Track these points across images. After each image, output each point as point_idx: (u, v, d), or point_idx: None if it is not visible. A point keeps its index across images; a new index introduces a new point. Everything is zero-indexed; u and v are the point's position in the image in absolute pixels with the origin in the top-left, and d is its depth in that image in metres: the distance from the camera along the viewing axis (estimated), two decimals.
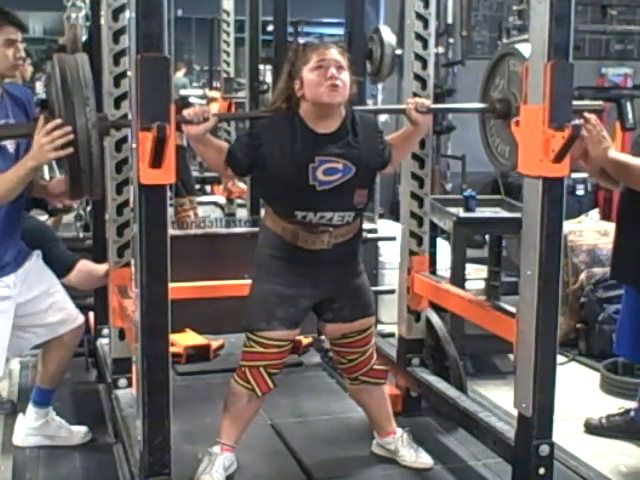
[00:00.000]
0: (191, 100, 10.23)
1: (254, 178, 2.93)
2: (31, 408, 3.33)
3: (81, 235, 4.27)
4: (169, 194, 2.52)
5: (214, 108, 6.68)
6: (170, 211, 2.55)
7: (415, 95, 3.44)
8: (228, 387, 2.93)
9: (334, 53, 2.77)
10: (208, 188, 8.37)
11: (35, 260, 3.13)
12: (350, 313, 2.97)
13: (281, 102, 2.84)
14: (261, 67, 5.88)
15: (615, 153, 3.05)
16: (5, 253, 2.95)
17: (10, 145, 2.87)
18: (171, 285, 2.45)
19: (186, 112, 2.70)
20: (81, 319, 3.26)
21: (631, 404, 3.74)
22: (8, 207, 2.86)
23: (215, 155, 2.84)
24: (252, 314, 2.89)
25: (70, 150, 2.57)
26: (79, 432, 3.37)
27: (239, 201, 6.59)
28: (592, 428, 3.74)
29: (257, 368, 2.86)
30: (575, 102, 2.62)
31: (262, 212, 3.00)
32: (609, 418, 3.73)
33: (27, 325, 3.10)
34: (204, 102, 9.77)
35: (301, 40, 5.69)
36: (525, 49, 2.68)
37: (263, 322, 2.85)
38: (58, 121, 2.54)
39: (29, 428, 3.32)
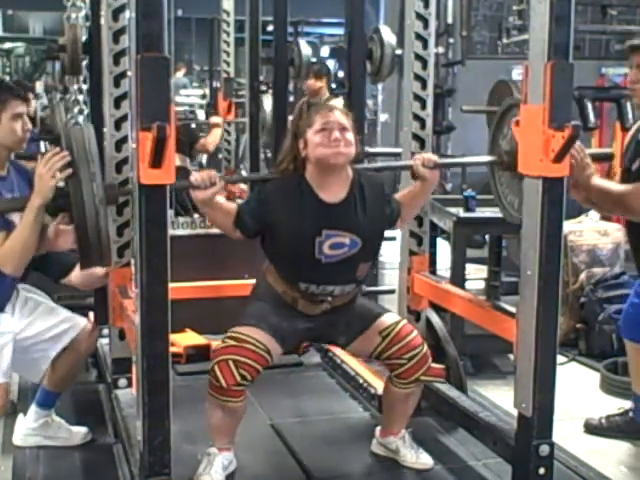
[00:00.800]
0: (191, 100, 10.26)
1: (265, 244, 2.93)
2: (33, 408, 3.33)
3: None
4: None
5: (217, 133, 6.70)
6: (170, 212, 2.55)
7: (415, 95, 3.44)
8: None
9: (337, 115, 2.80)
10: None
11: (20, 294, 3.15)
12: (360, 324, 2.95)
13: (288, 163, 2.86)
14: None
15: (598, 180, 3.08)
16: None
17: (17, 218, 2.88)
18: (171, 285, 2.45)
19: (193, 178, 2.73)
20: (83, 322, 3.24)
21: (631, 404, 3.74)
22: None
23: (224, 218, 2.85)
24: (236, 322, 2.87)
25: (69, 171, 2.65)
26: (79, 432, 3.37)
27: (239, 201, 6.58)
28: (592, 428, 3.73)
29: (226, 362, 2.73)
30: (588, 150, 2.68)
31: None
32: (609, 418, 3.73)
33: (31, 344, 3.12)
34: (204, 101, 9.82)
35: (301, 40, 5.67)
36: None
37: (245, 320, 2.84)
38: (55, 150, 2.60)
39: (29, 428, 3.32)
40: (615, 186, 3.15)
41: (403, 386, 2.98)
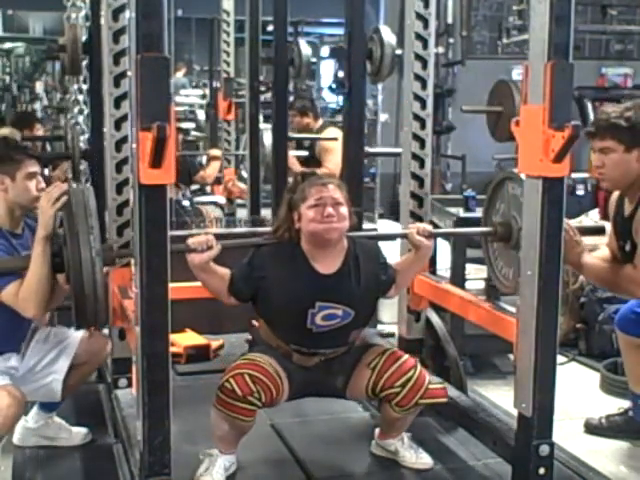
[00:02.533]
0: (191, 100, 10.26)
1: (257, 306, 2.94)
2: (35, 410, 3.34)
3: None
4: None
5: (215, 166, 6.71)
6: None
7: (415, 95, 3.44)
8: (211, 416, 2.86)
9: (331, 190, 2.80)
10: (208, 188, 8.37)
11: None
12: (352, 359, 2.94)
13: (283, 231, 2.87)
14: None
15: (589, 257, 3.13)
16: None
17: None
18: (171, 285, 2.45)
19: (190, 241, 2.73)
20: (78, 336, 3.23)
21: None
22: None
23: (217, 284, 2.86)
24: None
25: (65, 199, 2.75)
26: (79, 433, 3.37)
27: (239, 201, 6.59)
28: (592, 428, 3.74)
29: (241, 375, 2.73)
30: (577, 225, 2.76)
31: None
32: (609, 418, 3.73)
33: (35, 373, 3.15)
34: (204, 101, 9.82)
35: (301, 40, 5.67)
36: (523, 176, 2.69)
37: (254, 351, 2.87)
38: (57, 183, 2.68)
39: (29, 428, 3.32)
40: (604, 266, 3.17)
41: (403, 412, 2.93)
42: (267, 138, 5.37)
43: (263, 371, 2.75)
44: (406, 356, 2.93)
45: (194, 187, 7.13)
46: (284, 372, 2.83)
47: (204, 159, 7.05)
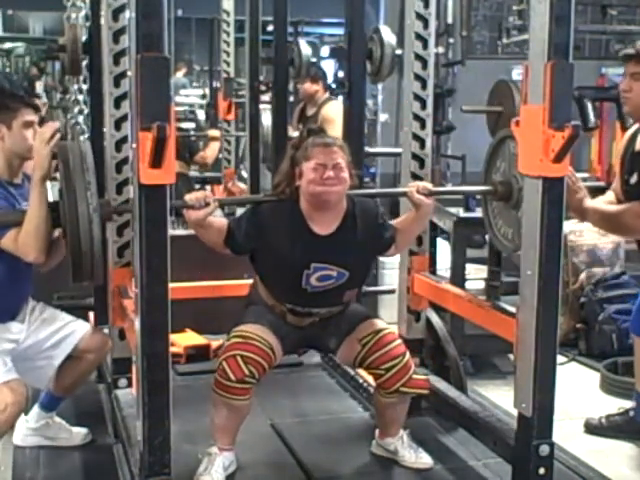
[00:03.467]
0: (191, 100, 10.26)
1: (253, 262, 2.97)
2: (35, 409, 3.33)
3: None
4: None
5: (215, 147, 6.71)
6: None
7: (415, 95, 3.44)
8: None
9: (334, 152, 2.81)
10: (208, 188, 8.37)
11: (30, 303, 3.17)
12: (347, 326, 2.98)
13: (284, 186, 2.88)
14: None
15: (591, 202, 3.12)
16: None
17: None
18: (171, 285, 2.45)
19: (187, 197, 2.73)
20: (86, 327, 3.24)
21: (631, 404, 3.74)
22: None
23: (215, 237, 2.87)
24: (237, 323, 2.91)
25: (58, 136, 2.73)
26: (79, 433, 3.37)
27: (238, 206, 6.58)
28: (592, 428, 3.74)
29: (234, 357, 2.77)
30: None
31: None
32: (609, 418, 3.73)
33: (35, 353, 3.13)
34: (204, 101, 9.82)
35: (301, 40, 5.67)
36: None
37: (247, 318, 2.89)
38: (48, 123, 2.63)
39: (30, 428, 3.32)
40: (608, 207, 3.17)
41: (387, 396, 2.99)
42: (266, 118, 5.67)
43: (254, 349, 2.78)
44: (398, 341, 2.97)
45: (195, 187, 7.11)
46: (277, 339, 2.86)
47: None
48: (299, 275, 2.83)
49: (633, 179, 3.14)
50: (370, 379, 3.70)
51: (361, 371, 3.78)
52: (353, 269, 2.88)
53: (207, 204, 2.71)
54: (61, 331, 3.18)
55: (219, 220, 2.91)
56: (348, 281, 2.89)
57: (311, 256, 2.83)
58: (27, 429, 3.33)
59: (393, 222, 3.04)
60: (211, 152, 6.76)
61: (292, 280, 2.84)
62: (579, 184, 3.07)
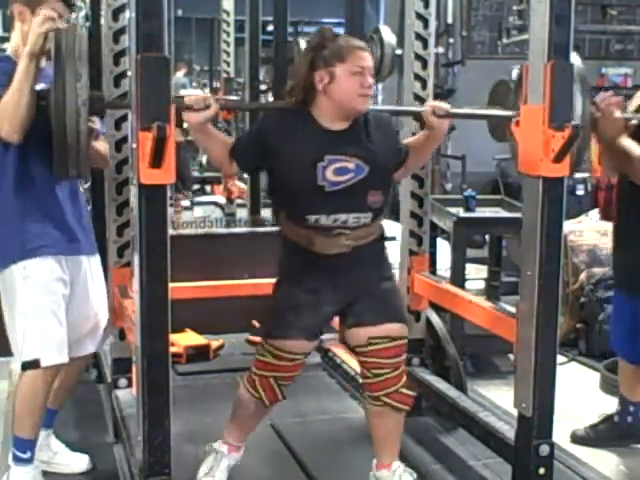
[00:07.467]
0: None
1: (269, 184, 2.83)
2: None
3: None
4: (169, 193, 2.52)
5: None
6: (170, 210, 2.55)
7: (415, 95, 3.44)
8: (237, 390, 2.88)
9: (369, 59, 2.69)
10: (208, 188, 8.37)
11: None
12: (373, 316, 2.79)
13: (299, 92, 2.70)
14: None
15: (627, 141, 3.00)
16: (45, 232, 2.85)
17: None
18: (171, 285, 2.45)
19: (187, 98, 2.63)
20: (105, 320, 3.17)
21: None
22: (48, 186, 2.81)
23: (219, 148, 2.75)
24: (270, 322, 2.82)
25: (55, 22, 2.62)
26: (81, 460, 3.17)
27: (239, 201, 6.59)
28: (579, 440, 3.59)
29: (267, 379, 2.77)
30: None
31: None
32: (594, 428, 3.61)
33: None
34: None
35: (301, 40, 5.67)
36: None
37: (279, 330, 2.76)
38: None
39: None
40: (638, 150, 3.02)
41: (369, 401, 2.85)
42: None
43: (286, 368, 2.76)
44: (402, 357, 2.83)
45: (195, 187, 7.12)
46: (306, 338, 2.74)
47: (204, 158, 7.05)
48: (313, 169, 2.63)
49: None
50: None
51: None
52: (372, 163, 2.68)
53: (207, 106, 2.60)
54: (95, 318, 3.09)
55: (225, 136, 2.79)
56: (368, 177, 2.68)
57: (324, 148, 2.64)
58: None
59: (405, 141, 2.94)
60: None
61: (306, 177, 2.64)
62: (618, 113, 2.92)
